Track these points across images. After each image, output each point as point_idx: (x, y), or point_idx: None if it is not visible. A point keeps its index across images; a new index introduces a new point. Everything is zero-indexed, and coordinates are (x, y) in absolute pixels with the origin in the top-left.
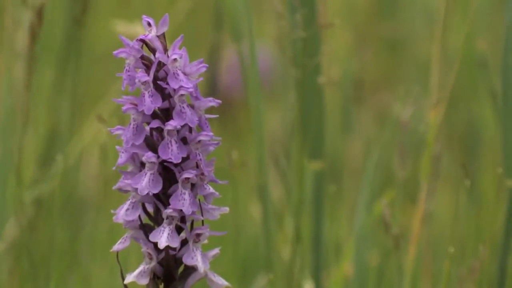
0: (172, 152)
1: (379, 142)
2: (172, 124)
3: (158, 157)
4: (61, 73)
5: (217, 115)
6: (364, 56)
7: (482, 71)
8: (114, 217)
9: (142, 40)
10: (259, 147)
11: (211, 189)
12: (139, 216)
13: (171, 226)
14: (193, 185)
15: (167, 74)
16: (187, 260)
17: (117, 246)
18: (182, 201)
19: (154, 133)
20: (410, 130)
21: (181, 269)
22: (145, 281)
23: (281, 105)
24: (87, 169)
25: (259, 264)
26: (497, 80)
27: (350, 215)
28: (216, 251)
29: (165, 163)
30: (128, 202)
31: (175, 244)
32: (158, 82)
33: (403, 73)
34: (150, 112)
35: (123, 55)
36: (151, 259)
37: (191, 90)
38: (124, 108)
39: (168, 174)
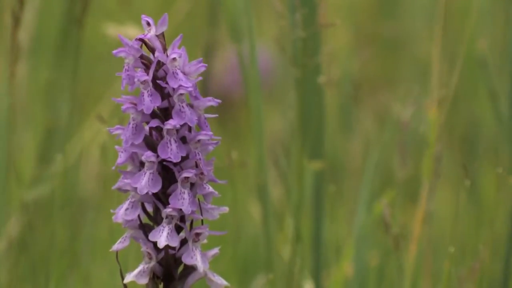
0: (171, 151)
1: (379, 142)
2: (171, 124)
3: (158, 156)
4: (61, 73)
5: (217, 115)
6: (364, 56)
7: (482, 71)
8: (113, 217)
9: (142, 40)
10: (259, 147)
11: (211, 189)
12: (139, 215)
13: (170, 226)
14: (192, 185)
15: (166, 74)
16: (187, 260)
17: (116, 246)
18: (182, 200)
19: (154, 132)
20: (410, 130)
21: (180, 268)
22: (144, 280)
23: (281, 105)
24: (87, 169)
25: (259, 264)
26: (497, 80)
27: (350, 215)
28: (215, 250)
29: (164, 163)
30: (127, 202)
31: (175, 243)
32: (157, 81)
33: (403, 73)
34: (150, 112)
35: (122, 55)
36: (150, 258)
37: (190, 89)
38: (123, 107)
39: (167, 173)
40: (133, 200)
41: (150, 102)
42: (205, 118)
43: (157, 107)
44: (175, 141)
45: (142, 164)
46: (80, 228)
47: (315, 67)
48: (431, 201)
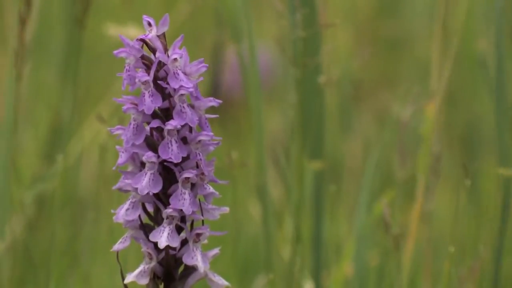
0: (172, 151)
1: (379, 142)
2: (172, 124)
3: (158, 156)
4: (62, 73)
5: (217, 115)
6: (364, 56)
7: (482, 71)
8: (114, 217)
9: (143, 40)
10: (259, 147)
11: (211, 189)
12: (139, 216)
13: (171, 226)
14: (193, 185)
15: (167, 74)
16: (187, 260)
17: (117, 246)
18: (182, 201)
19: (154, 132)
20: (410, 130)
21: (181, 269)
22: (145, 281)
23: (281, 105)
24: (87, 169)
25: (259, 264)
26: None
27: (350, 215)
28: (216, 251)
29: (165, 163)
30: (128, 202)
31: (175, 244)
32: (158, 81)
33: (403, 73)
34: (150, 112)
35: (123, 55)
36: (151, 259)
37: (191, 90)
38: (124, 108)
39: (168, 174)
40: (133, 200)
41: (151, 102)
42: (206, 119)
43: (158, 107)
44: (176, 142)
45: (142, 164)
46: (80, 228)
47: (315, 67)
48: (430, 200)
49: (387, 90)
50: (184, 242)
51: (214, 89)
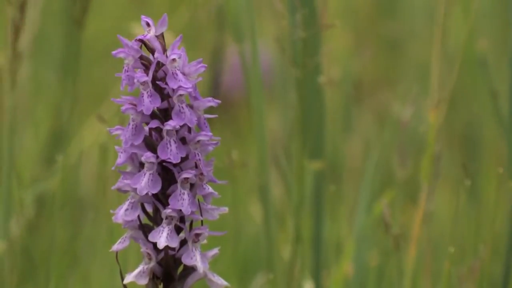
0: (171, 152)
1: (379, 142)
2: (171, 124)
3: (157, 157)
4: (62, 74)
5: (216, 115)
6: (364, 56)
7: (483, 71)
8: (113, 217)
9: (141, 40)
10: (260, 147)
11: (210, 189)
12: (138, 216)
13: (170, 226)
14: (192, 185)
15: (166, 74)
16: (186, 260)
17: (116, 246)
18: (181, 201)
19: (153, 133)
20: (410, 130)
21: (180, 269)
22: (144, 281)
23: (281, 105)
24: (87, 169)
25: (259, 264)
26: (498, 80)
27: (350, 215)
28: (215, 251)
29: (164, 163)
30: (127, 202)
31: (174, 244)
32: (157, 82)
33: (403, 73)
34: (149, 112)
35: (121, 55)
36: (150, 259)
37: (190, 90)
38: (123, 108)
39: (167, 174)
40: (132, 200)
41: (150, 103)
42: (205, 119)
43: (157, 107)
44: (175, 142)
45: (141, 164)
46: (80, 228)
47: (315, 67)
48: (431, 201)
49: (387, 90)
50: (183, 242)
51: (213, 90)
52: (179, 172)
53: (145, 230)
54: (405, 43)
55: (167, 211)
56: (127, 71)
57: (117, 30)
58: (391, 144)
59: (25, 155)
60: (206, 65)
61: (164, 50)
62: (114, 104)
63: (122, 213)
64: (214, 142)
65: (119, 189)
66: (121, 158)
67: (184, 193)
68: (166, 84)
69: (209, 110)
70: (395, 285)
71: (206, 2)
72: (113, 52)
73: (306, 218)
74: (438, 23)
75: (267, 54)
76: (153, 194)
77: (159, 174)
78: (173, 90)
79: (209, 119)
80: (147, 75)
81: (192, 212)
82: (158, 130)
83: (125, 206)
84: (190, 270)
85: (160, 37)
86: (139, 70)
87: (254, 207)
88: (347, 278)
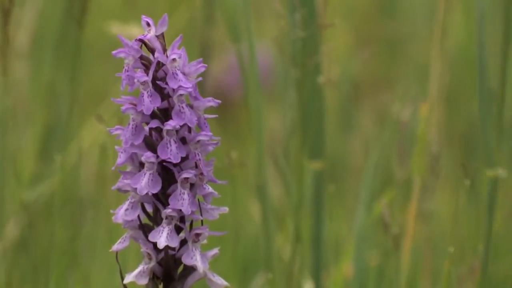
0: (171, 152)
1: (378, 142)
2: (171, 124)
3: (157, 157)
4: (61, 73)
5: (217, 115)
6: (364, 56)
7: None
8: (113, 217)
9: (141, 40)
10: (259, 147)
11: (210, 189)
12: (138, 216)
13: (170, 226)
14: (192, 185)
15: (166, 74)
16: (186, 260)
17: (116, 246)
18: (181, 201)
19: (153, 133)
20: (409, 130)
21: (180, 269)
22: (144, 281)
23: (281, 105)
24: (87, 169)
25: (259, 264)
26: (495, 79)
27: (350, 215)
28: (215, 251)
29: (164, 163)
30: (127, 202)
31: (174, 244)
32: (157, 82)
33: (403, 73)
34: (149, 112)
35: (122, 55)
36: (150, 259)
37: (190, 90)
38: (123, 108)
39: (167, 174)
40: (133, 200)
41: (150, 102)
42: (205, 119)
43: (157, 107)
44: (175, 142)
45: (141, 164)
46: (79, 228)
47: (315, 67)
48: (429, 200)
49: (387, 90)
50: (183, 242)
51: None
52: (179, 172)
53: (145, 230)
54: (405, 43)
55: (167, 211)
56: (127, 71)
57: (116, 30)
58: (390, 144)
59: (25, 155)
60: (206, 65)
61: (164, 50)
62: (113, 103)
63: (122, 213)
64: (214, 142)
65: (119, 189)
66: (121, 158)
67: (184, 193)
68: (166, 84)
69: (209, 110)
70: (395, 285)
71: (207, 2)
72: (113, 52)
73: (305, 218)
74: (438, 23)
75: (267, 54)
76: (153, 194)
77: (159, 174)
78: (173, 90)
79: (208, 119)
80: (147, 75)
81: (192, 212)
82: (158, 130)
83: (125, 206)
84: (190, 270)
85: (160, 37)
86: (139, 70)
87: (253, 207)
88: (347, 278)
